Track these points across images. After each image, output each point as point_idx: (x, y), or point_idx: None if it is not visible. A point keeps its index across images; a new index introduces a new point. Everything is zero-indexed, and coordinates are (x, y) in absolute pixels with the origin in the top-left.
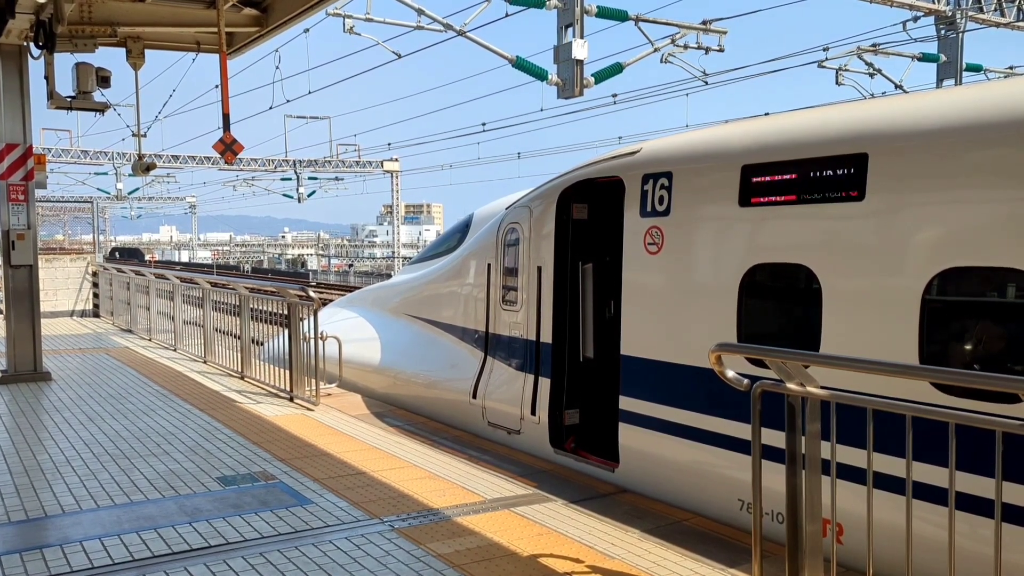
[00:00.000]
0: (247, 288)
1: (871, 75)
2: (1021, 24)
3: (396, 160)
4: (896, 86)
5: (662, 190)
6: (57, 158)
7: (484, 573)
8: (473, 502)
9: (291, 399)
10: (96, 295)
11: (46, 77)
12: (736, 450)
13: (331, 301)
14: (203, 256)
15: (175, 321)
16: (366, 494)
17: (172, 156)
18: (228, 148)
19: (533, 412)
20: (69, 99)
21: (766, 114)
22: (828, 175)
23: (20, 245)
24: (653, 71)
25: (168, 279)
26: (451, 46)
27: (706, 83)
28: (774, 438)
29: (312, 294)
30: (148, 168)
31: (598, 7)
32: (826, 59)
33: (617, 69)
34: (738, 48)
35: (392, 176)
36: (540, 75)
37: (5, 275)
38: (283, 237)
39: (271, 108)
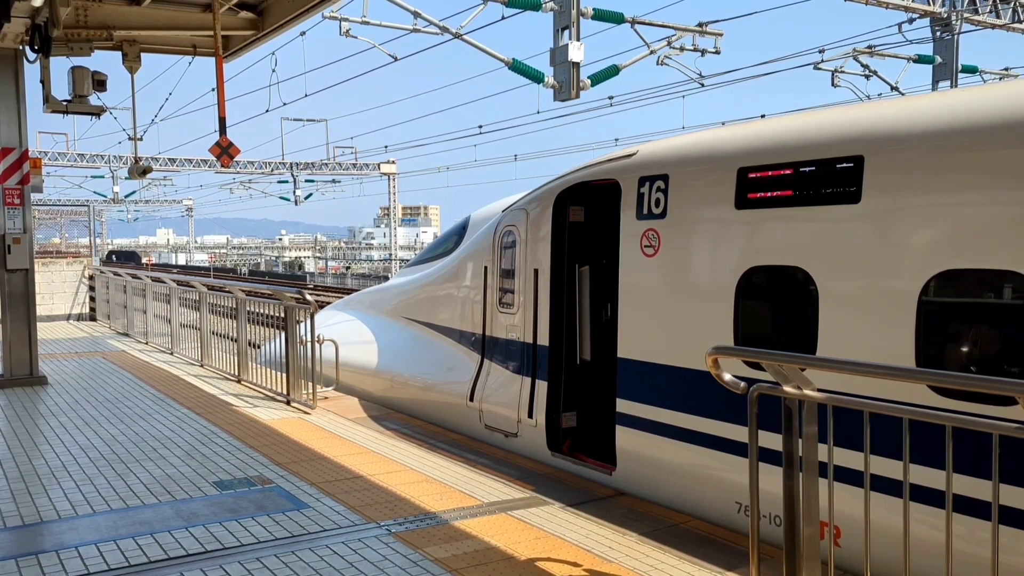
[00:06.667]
0: (244, 291)
1: (867, 77)
2: (1016, 25)
3: (393, 162)
4: (892, 88)
5: (658, 193)
6: (53, 161)
7: None
8: (470, 506)
9: (288, 403)
10: (93, 299)
11: (42, 81)
12: (733, 453)
13: (328, 304)
14: (200, 259)
15: (172, 324)
16: (363, 498)
17: (169, 159)
18: (224, 151)
19: (530, 415)
20: (65, 103)
21: (762, 116)
22: (824, 177)
23: (16, 249)
24: (649, 73)
25: (165, 282)
26: (447, 49)
27: (702, 85)
28: (771, 441)
29: (309, 297)
30: (144, 171)
31: (594, 9)
32: (822, 61)
33: (613, 71)
34: (734, 50)
35: (389, 178)
36: (536, 77)
37: (1, 279)
38: (280, 240)
39: (268, 111)
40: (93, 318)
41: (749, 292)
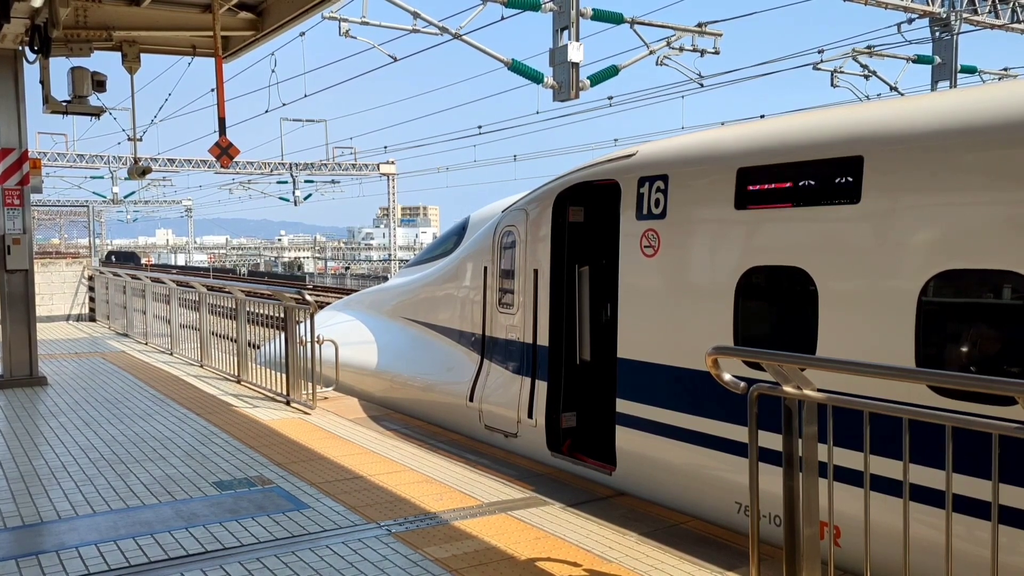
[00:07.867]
0: (243, 292)
1: (866, 77)
2: (1015, 26)
3: (392, 163)
4: (891, 88)
5: (658, 193)
6: (53, 162)
7: None
8: (470, 506)
9: (288, 403)
10: (92, 299)
11: (41, 81)
12: (733, 453)
13: (328, 304)
14: (199, 259)
15: (171, 325)
16: (363, 498)
17: (168, 159)
18: (224, 152)
19: (530, 415)
20: (65, 103)
21: (761, 116)
22: (824, 178)
23: (16, 249)
24: (648, 73)
25: (164, 283)
26: (447, 49)
27: (701, 85)
28: (771, 441)
29: (308, 297)
30: (144, 172)
31: (593, 10)
32: (821, 61)
33: (612, 72)
34: (733, 50)
35: (388, 179)
36: (536, 78)
37: (1, 280)
38: (279, 240)
39: (267, 111)
40: (93, 319)
41: (749, 292)
